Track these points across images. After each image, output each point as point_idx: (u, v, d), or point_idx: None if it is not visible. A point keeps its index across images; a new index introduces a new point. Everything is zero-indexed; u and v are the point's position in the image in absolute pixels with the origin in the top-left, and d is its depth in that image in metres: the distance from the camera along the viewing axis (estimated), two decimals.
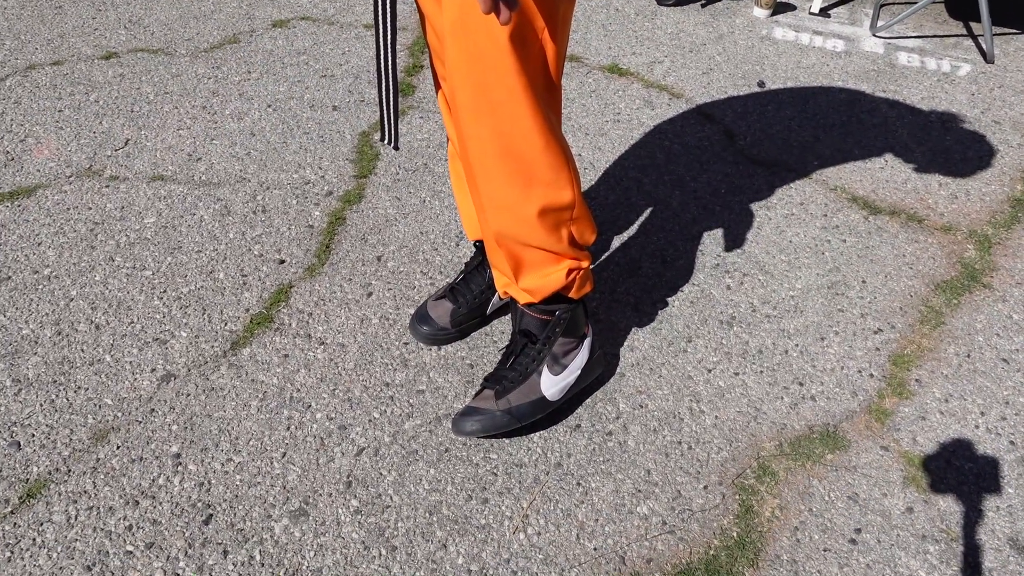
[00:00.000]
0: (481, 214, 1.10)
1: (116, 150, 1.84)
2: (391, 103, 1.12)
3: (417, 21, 2.48)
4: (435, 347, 1.42)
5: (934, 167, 1.99)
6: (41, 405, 1.27)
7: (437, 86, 1.21)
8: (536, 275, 1.15)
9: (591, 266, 1.51)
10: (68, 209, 1.66)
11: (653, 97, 2.19)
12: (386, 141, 1.16)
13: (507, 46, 0.91)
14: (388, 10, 1.01)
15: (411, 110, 2.07)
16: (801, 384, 1.40)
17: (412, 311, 1.49)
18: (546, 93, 1.01)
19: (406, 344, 1.42)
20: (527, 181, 1.03)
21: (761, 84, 2.29)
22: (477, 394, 1.26)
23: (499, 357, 1.38)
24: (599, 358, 1.32)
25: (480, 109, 0.97)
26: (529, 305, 1.21)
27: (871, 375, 1.43)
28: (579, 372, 1.28)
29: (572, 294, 1.20)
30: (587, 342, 1.29)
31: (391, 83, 1.09)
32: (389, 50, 1.05)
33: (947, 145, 2.08)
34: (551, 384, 1.25)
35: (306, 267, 1.57)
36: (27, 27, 2.30)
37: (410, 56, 2.30)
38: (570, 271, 1.16)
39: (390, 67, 1.07)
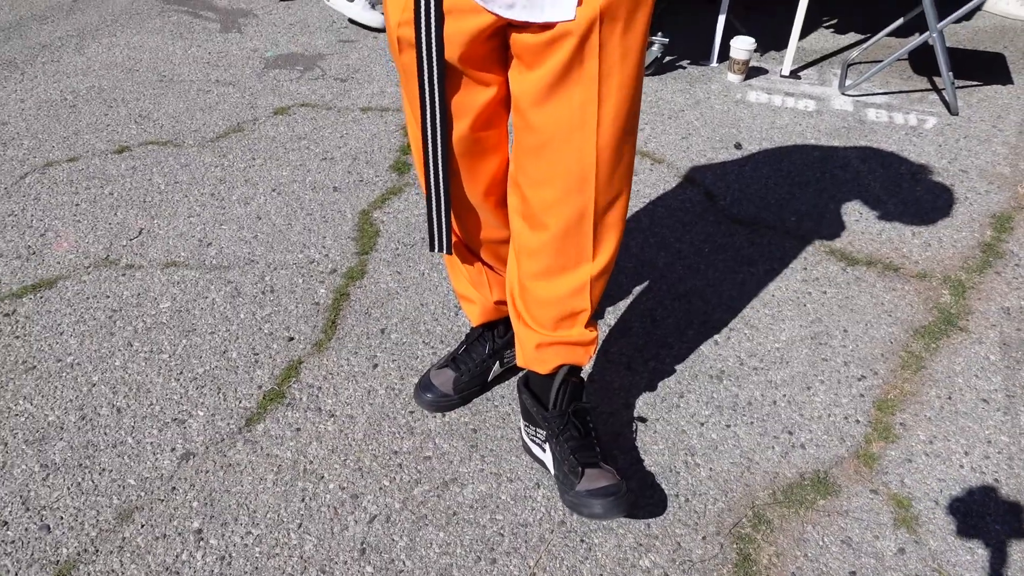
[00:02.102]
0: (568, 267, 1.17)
1: (131, 239, 1.95)
2: (441, 212, 1.20)
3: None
4: (439, 414, 1.49)
5: (907, 217, 2.10)
6: (68, 488, 1.33)
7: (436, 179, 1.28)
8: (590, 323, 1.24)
9: None
10: (87, 298, 1.75)
11: (636, 164, 2.31)
12: (436, 249, 1.24)
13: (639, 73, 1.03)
14: (436, 125, 1.10)
15: (407, 187, 2.19)
16: (791, 433, 1.47)
17: (416, 380, 1.56)
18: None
19: (412, 412, 1.50)
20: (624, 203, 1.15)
21: (738, 146, 2.42)
22: (602, 470, 1.28)
23: (585, 440, 1.36)
24: None
25: (627, 131, 1.07)
26: (573, 371, 1.29)
27: (857, 421, 1.50)
28: None
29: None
30: None
31: (442, 195, 1.18)
32: (439, 158, 1.14)
33: (918, 195, 2.19)
34: None
35: (314, 343, 1.65)
36: (43, 126, 2.44)
37: (404, 135, 2.43)
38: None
39: (441, 181, 1.16)
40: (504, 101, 1.15)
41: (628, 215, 2.06)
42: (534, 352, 1.26)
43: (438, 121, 1.10)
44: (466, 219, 1.31)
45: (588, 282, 1.16)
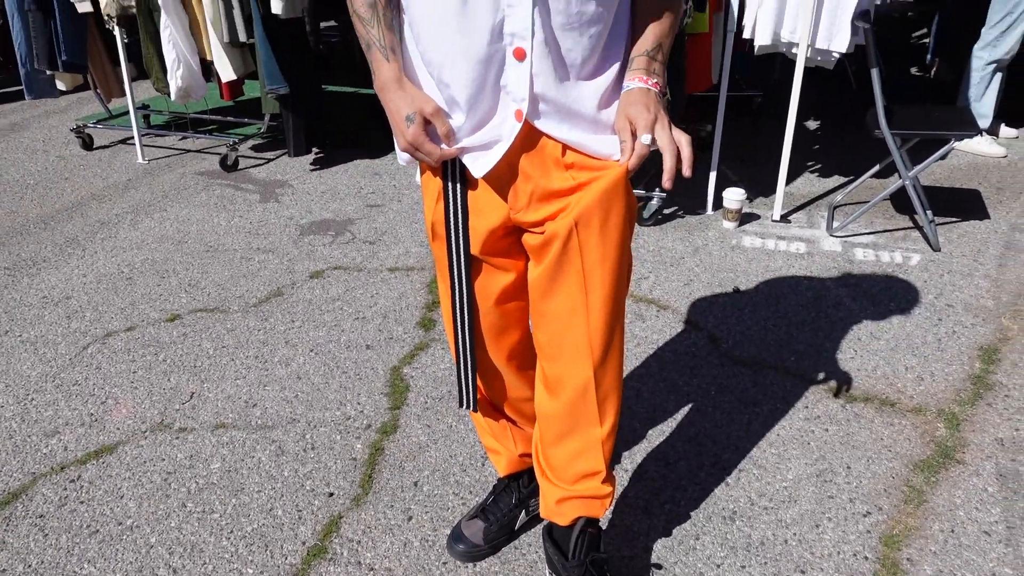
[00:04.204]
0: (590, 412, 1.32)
1: (183, 403, 2.13)
2: (468, 376, 1.39)
3: (432, 262, 2.87)
4: (471, 563, 1.60)
5: (899, 353, 2.24)
6: None
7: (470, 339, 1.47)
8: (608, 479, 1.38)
9: None
10: (144, 462, 1.91)
11: (643, 311, 2.50)
12: (465, 406, 1.43)
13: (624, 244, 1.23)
14: (464, 304, 1.32)
15: (432, 342, 2.38)
16: (803, 572, 1.55)
17: (448, 531, 1.68)
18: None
19: (445, 563, 1.60)
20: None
21: (737, 290, 2.61)
22: None
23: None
24: None
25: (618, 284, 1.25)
26: (590, 522, 1.41)
27: (865, 557, 1.58)
28: None
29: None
30: None
31: (469, 360, 1.38)
32: (467, 329, 1.35)
33: (908, 331, 2.35)
34: None
35: (352, 498, 1.78)
36: (103, 298, 2.70)
37: (429, 293, 2.66)
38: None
39: (468, 349, 1.36)
40: (523, 284, 1.36)
41: (639, 362, 2.23)
42: (555, 506, 1.39)
43: (465, 300, 1.32)
44: (492, 381, 1.49)
45: (599, 444, 1.32)
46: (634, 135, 1.12)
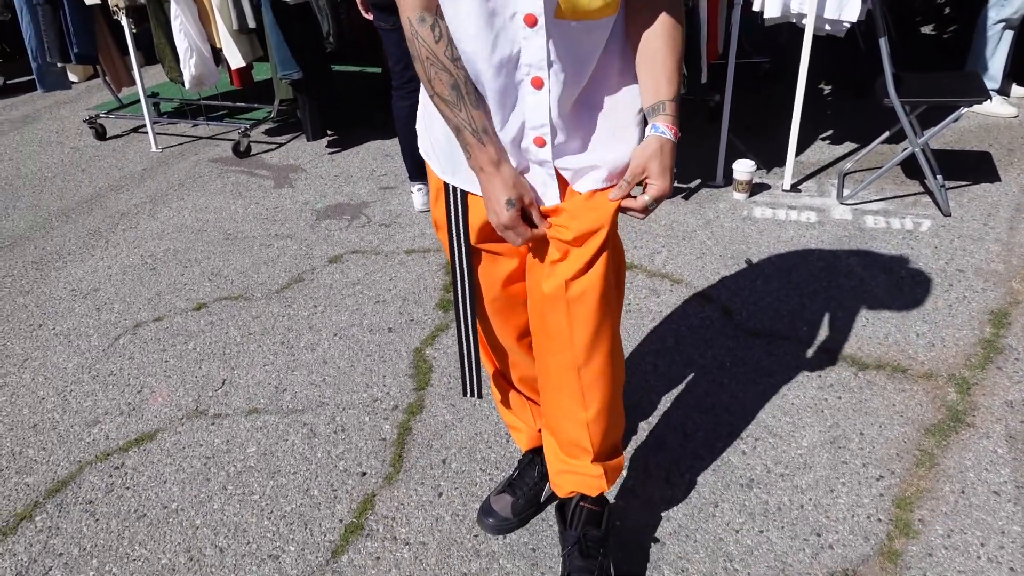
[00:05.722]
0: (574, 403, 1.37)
1: (216, 390, 2.21)
2: (474, 365, 1.46)
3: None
4: (501, 536, 1.67)
5: (910, 319, 2.29)
6: None
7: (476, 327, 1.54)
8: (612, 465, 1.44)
9: None
10: (183, 448, 2.00)
11: (657, 285, 2.55)
12: (468, 394, 1.49)
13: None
14: (467, 287, 1.38)
15: (452, 324, 2.44)
16: (819, 535, 1.62)
17: (478, 505, 1.75)
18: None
19: (476, 536, 1.68)
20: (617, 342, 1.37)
21: (748, 261, 2.66)
22: None
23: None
24: None
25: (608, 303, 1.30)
26: (586, 498, 1.47)
27: (879, 519, 1.65)
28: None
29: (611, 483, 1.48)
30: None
31: (471, 347, 1.44)
32: (469, 326, 1.41)
33: (919, 297, 2.39)
34: None
35: (384, 476, 1.86)
36: (130, 290, 2.77)
37: (446, 274, 2.72)
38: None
39: (470, 334, 1.42)
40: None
41: (655, 336, 2.29)
42: (554, 476, 1.48)
43: (468, 292, 1.38)
44: (504, 359, 1.56)
45: (585, 427, 1.38)
46: (639, 184, 1.20)
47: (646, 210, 1.20)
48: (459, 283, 1.38)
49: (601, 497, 1.51)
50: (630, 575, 1.54)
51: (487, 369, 1.65)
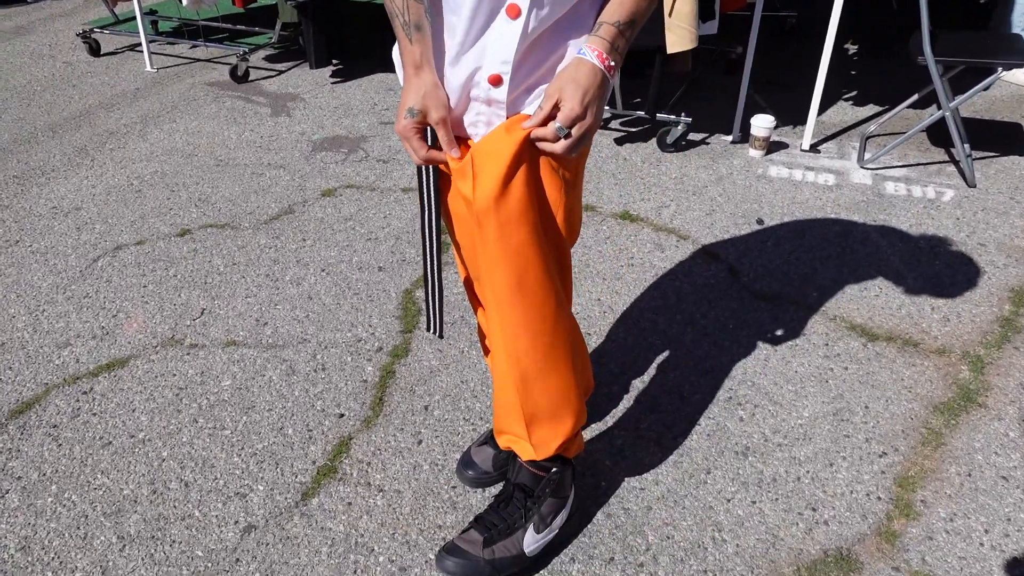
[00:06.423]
0: (507, 360, 1.28)
1: (194, 320, 2.11)
2: (437, 301, 1.35)
3: None
4: (480, 489, 1.59)
5: (926, 292, 2.18)
6: (143, 559, 1.46)
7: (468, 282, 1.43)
8: (546, 429, 1.34)
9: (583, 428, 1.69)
10: (156, 377, 1.91)
11: (662, 240, 2.43)
12: (431, 331, 1.39)
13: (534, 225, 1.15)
14: (432, 223, 1.26)
15: (445, 266, 2.33)
16: (814, 510, 1.54)
17: (458, 456, 1.67)
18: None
19: (454, 488, 1.60)
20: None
21: (760, 221, 2.53)
22: (464, 531, 1.41)
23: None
24: (575, 518, 1.49)
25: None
26: (530, 461, 1.39)
27: (879, 498, 1.56)
28: (558, 531, 1.44)
29: (570, 453, 1.39)
30: (569, 501, 1.46)
31: (436, 286, 1.33)
32: (434, 259, 1.29)
33: (937, 270, 2.27)
34: (532, 541, 1.41)
35: (363, 419, 1.77)
36: (113, 211, 2.65)
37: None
38: (575, 428, 1.35)
39: (436, 274, 1.31)
40: None
41: (656, 292, 2.18)
42: (496, 424, 1.41)
43: (432, 215, 1.25)
44: (478, 301, 1.45)
45: (520, 414, 1.31)
46: (554, 110, 1.07)
47: (559, 140, 1.07)
48: (424, 208, 1.25)
49: (545, 462, 1.41)
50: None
51: (477, 313, 1.54)
